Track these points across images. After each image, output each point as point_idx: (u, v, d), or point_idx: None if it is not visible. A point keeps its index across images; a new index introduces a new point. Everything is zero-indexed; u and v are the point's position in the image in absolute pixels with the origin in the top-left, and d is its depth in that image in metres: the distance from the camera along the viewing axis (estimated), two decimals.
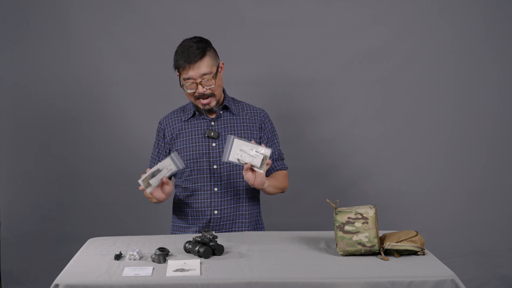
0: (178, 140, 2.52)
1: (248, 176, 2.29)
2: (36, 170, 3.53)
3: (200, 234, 2.14)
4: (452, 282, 1.87)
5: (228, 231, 2.49)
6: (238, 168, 2.48)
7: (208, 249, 2.07)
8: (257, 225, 2.61)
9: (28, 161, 3.52)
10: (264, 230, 2.65)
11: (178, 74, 2.47)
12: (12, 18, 3.43)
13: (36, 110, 3.50)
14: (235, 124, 2.54)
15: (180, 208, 2.57)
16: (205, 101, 2.43)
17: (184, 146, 2.50)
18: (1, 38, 3.43)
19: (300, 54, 3.49)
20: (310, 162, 3.52)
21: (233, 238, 2.32)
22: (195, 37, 2.46)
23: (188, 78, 2.39)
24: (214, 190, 2.48)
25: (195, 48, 2.39)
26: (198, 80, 2.39)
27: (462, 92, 3.52)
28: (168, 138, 2.55)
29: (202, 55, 2.39)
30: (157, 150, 2.59)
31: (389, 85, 3.50)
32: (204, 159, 2.48)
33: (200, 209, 2.49)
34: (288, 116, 3.52)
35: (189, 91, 2.42)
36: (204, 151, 2.49)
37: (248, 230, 2.53)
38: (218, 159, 2.48)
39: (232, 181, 2.49)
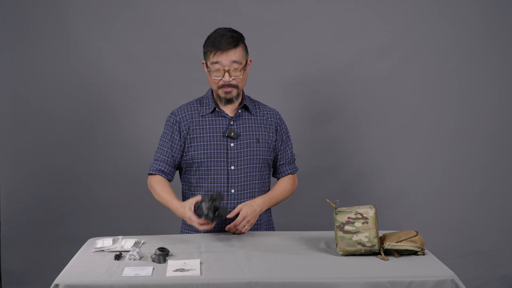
0: (195, 135, 2.46)
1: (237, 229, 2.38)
2: (36, 170, 3.52)
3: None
4: (452, 282, 1.87)
5: (244, 232, 2.47)
6: (254, 169, 2.48)
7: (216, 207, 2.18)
8: (268, 225, 2.61)
9: (28, 161, 3.52)
10: (274, 230, 2.66)
11: (204, 62, 2.45)
12: (12, 18, 3.42)
13: (35, 110, 3.49)
14: (253, 125, 2.51)
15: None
16: (227, 89, 2.41)
17: (202, 143, 2.45)
18: (1, 38, 3.43)
19: (301, 54, 3.48)
20: (311, 162, 3.52)
21: (234, 238, 2.32)
22: (230, 28, 2.45)
23: (217, 63, 2.37)
24: (231, 192, 2.45)
25: (229, 36, 2.38)
26: (227, 68, 2.37)
27: (463, 92, 3.51)
28: (184, 131, 2.47)
29: (235, 44, 2.39)
30: (170, 143, 2.47)
31: (389, 85, 3.50)
32: (222, 159, 2.44)
33: None
34: (288, 115, 3.50)
35: (214, 77, 2.40)
36: (222, 151, 2.45)
37: (262, 229, 2.54)
38: (235, 159, 2.45)
39: (248, 183, 2.47)
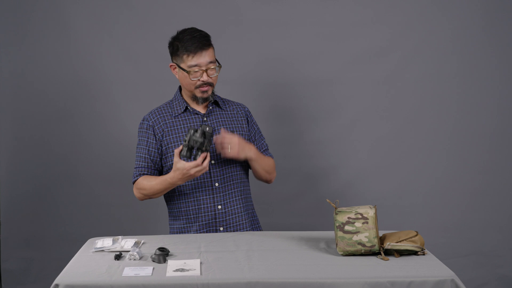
0: (170, 136, 2.49)
1: (225, 152, 2.38)
2: (36, 170, 3.52)
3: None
4: (452, 282, 1.87)
5: (233, 225, 2.50)
6: (234, 161, 2.50)
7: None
8: (253, 217, 2.62)
9: (28, 161, 3.52)
10: (259, 224, 2.66)
11: (173, 64, 2.50)
12: (12, 18, 3.42)
13: (35, 110, 3.50)
14: (226, 119, 2.56)
15: (180, 208, 2.54)
16: (205, 88, 2.45)
17: (179, 143, 2.47)
18: (1, 38, 3.43)
19: (301, 54, 3.48)
20: (311, 162, 3.52)
21: (234, 238, 2.32)
22: (194, 27, 2.51)
23: (195, 65, 2.42)
24: (215, 186, 2.48)
25: (201, 37, 2.44)
26: (204, 68, 2.42)
27: (463, 92, 3.51)
28: (159, 134, 2.50)
29: (209, 44, 2.46)
30: (146, 148, 2.50)
31: (389, 85, 3.50)
32: None
33: (202, 206, 2.48)
34: (288, 116, 3.52)
35: (193, 78, 2.43)
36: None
37: (247, 221, 2.54)
38: (215, 153, 2.48)
39: (230, 174, 2.50)
